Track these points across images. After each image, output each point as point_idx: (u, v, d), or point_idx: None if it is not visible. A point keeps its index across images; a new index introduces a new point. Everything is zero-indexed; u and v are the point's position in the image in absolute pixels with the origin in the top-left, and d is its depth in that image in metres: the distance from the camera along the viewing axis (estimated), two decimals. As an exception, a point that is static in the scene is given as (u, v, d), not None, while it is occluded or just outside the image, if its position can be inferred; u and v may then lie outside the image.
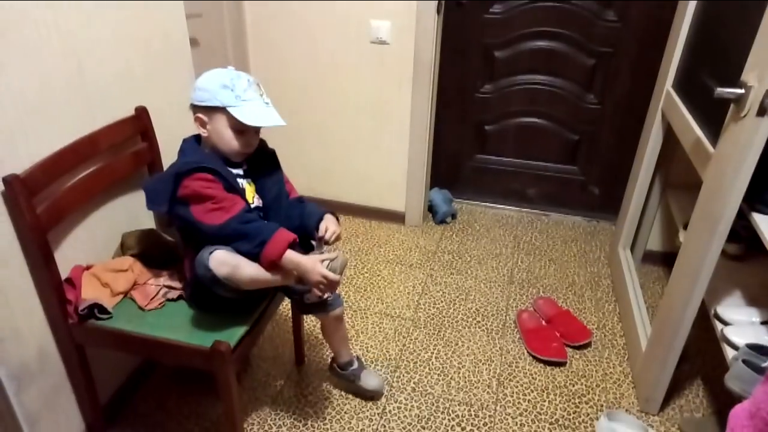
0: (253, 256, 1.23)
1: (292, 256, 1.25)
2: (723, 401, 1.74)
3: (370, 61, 2.39)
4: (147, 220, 1.68)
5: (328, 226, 1.39)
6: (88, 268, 1.40)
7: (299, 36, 2.42)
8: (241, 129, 1.28)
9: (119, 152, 1.50)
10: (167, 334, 1.28)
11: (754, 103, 1.20)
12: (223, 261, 1.19)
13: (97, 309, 1.31)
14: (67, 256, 1.36)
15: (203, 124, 1.30)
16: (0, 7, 1.12)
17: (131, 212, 1.61)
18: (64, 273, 1.33)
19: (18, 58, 1.17)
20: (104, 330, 1.31)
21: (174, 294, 1.40)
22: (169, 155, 1.65)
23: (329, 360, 1.73)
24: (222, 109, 1.25)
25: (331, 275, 1.27)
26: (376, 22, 2.30)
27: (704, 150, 1.47)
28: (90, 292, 1.34)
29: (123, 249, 1.54)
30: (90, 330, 1.32)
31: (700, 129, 1.55)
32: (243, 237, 1.23)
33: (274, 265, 1.25)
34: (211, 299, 1.28)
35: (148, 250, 1.52)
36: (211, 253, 1.19)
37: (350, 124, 2.57)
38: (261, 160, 1.41)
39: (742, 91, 1.24)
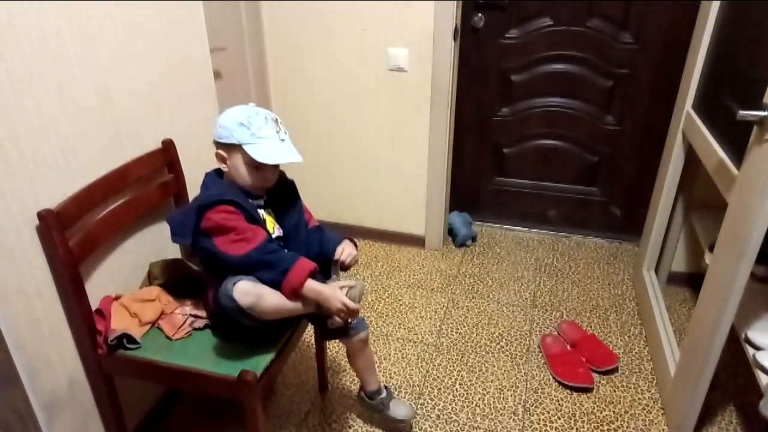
0: (275, 285, 1.25)
1: (312, 284, 1.27)
2: (757, 429, 1.69)
3: (389, 87, 2.43)
4: (173, 250, 1.71)
5: (345, 248, 1.43)
6: (116, 298, 1.43)
7: (319, 66, 2.47)
8: (257, 165, 1.31)
9: (147, 184, 1.54)
10: (194, 364, 1.30)
11: (778, 125, 1.19)
12: (247, 291, 1.21)
13: (125, 339, 1.33)
14: (96, 287, 1.39)
15: (223, 160, 1.34)
16: (35, 48, 1.17)
17: (158, 242, 1.64)
18: (93, 303, 1.35)
19: (52, 96, 1.22)
20: (133, 360, 1.33)
21: (200, 323, 1.41)
22: (194, 186, 1.68)
23: (356, 389, 1.72)
24: (239, 147, 1.29)
25: (351, 303, 1.29)
26: (393, 50, 2.34)
27: (728, 172, 1.46)
28: (119, 322, 1.36)
29: (150, 278, 1.56)
30: (119, 360, 1.34)
31: (723, 151, 1.54)
32: (266, 266, 1.25)
33: (296, 294, 1.26)
34: (236, 328, 1.29)
35: (174, 279, 1.55)
36: (234, 284, 1.21)
37: (370, 149, 2.60)
38: (280, 191, 1.45)
39: (766, 113, 1.23)
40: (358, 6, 2.29)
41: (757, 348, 1.44)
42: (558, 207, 2.80)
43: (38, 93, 1.18)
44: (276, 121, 1.33)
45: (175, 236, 1.33)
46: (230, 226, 1.26)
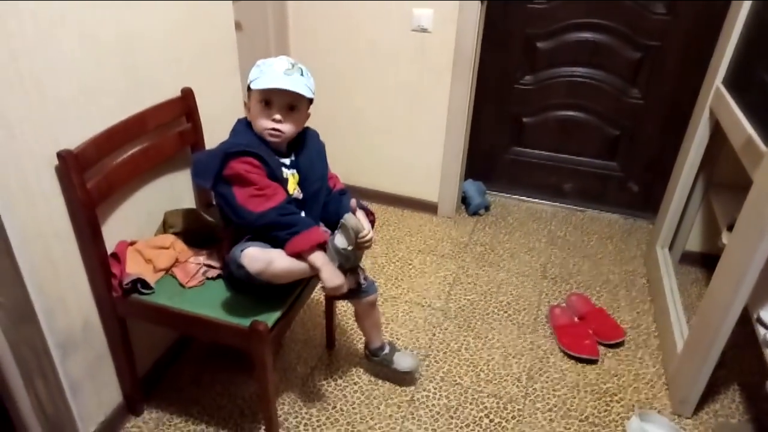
0: (282, 243, 1.25)
1: (316, 258, 1.27)
2: (761, 408, 1.70)
3: (411, 49, 2.38)
4: (189, 200, 1.72)
5: (358, 220, 1.35)
6: (132, 243, 1.44)
7: (340, 22, 2.42)
8: (265, 99, 1.28)
9: (165, 132, 1.53)
10: (207, 312, 1.31)
11: (814, 102, 1.15)
12: (256, 258, 1.21)
13: (140, 284, 1.34)
14: (112, 231, 1.40)
15: (246, 107, 1.35)
16: (59, -14, 1.15)
17: (174, 191, 1.65)
18: (109, 248, 1.37)
19: (75, 39, 1.21)
20: (146, 304, 1.35)
21: (213, 273, 1.43)
22: (212, 136, 1.68)
23: (362, 347, 1.75)
24: (250, 88, 1.30)
25: (343, 289, 1.32)
26: (418, 10, 2.28)
27: (756, 149, 1.42)
28: (134, 267, 1.38)
29: (165, 227, 1.57)
30: (133, 304, 1.36)
31: (753, 127, 1.50)
32: (280, 227, 1.25)
33: (299, 256, 1.26)
34: (247, 283, 1.31)
35: (189, 229, 1.55)
36: (242, 250, 1.21)
37: (387, 112, 2.57)
38: (309, 153, 1.42)
39: (802, 89, 1.20)
40: (384, -38, 2.23)
41: (769, 329, 1.44)
42: (574, 180, 2.76)
43: (60, 35, 1.17)
44: (293, 64, 1.30)
45: (197, 177, 1.33)
46: (252, 180, 1.25)
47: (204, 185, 1.30)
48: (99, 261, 1.31)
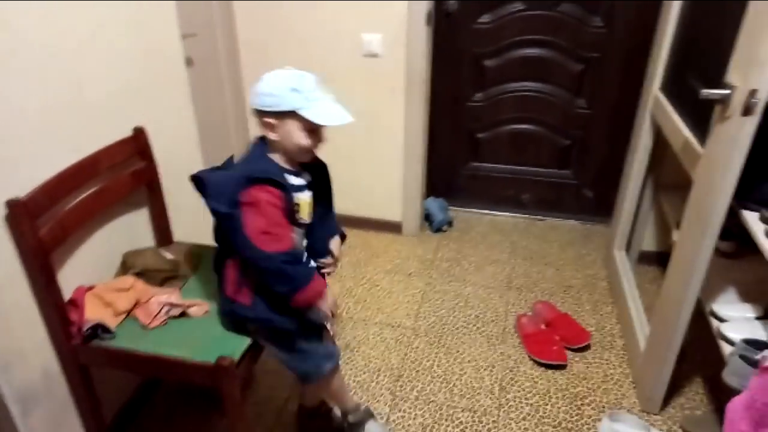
0: (284, 297, 1.25)
1: (322, 303, 1.32)
2: (722, 397, 1.75)
3: (363, 74, 2.42)
4: (147, 239, 1.70)
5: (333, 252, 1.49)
6: (90, 288, 1.41)
7: (292, 52, 2.45)
8: (313, 128, 1.27)
9: (119, 172, 1.52)
10: (171, 352, 1.29)
11: (739, 103, 1.23)
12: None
13: (100, 329, 1.32)
14: (69, 277, 1.38)
15: (272, 128, 1.27)
16: (1, 35, 1.14)
17: (132, 231, 1.63)
18: (66, 294, 1.34)
19: (20, 82, 1.20)
20: (108, 350, 1.32)
21: (176, 311, 1.41)
22: (168, 173, 1.67)
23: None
24: (292, 113, 1.24)
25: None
26: (367, 35, 2.33)
27: (693, 151, 1.50)
28: (93, 312, 1.35)
29: (124, 268, 1.55)
30: (94, 350, 1.33)
31: (689, 130, 1.58)
32: (282, 277, 1.23)
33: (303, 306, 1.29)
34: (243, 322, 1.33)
35: (150, 269, 1.53)
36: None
37: (345, 136, 2.58)
38: (319, 175, 1.43)
39: (727, 91, 1.27)
40: (330, -9, 2.28)
41: (721, 320, 1.50)
42: (532, 191, 2.84)
43: (5, 81, 1.16)
44: (323, 81, 1.29)
45: (212, 200, 1.22)
46: (267, 213, 1.21)
47: (218, 209, 1.22)
48: (56, 309, 1.28)
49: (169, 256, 1.58)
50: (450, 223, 2.80)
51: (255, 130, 2.83)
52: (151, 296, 1.45)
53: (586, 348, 1.98)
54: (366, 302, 2.24)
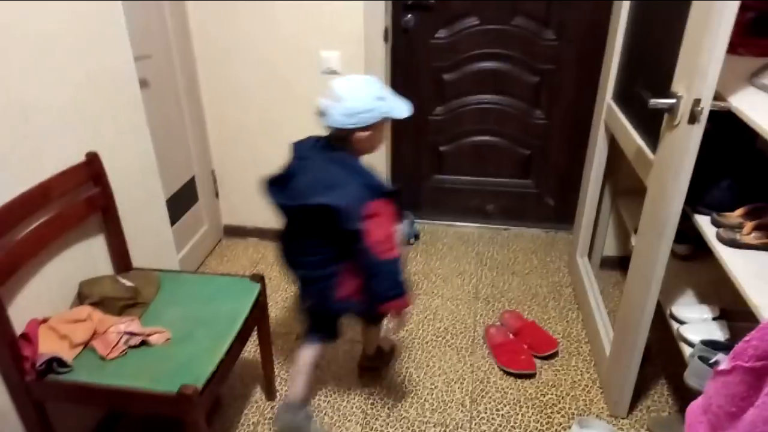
0: (380, 298, 1.38)
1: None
2: (686, 398, 1.78)
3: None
4: (104, 266, 1.65)
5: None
6: (44, 321, 1.36)
7: (251, 71, 2.43)
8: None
9: (72, 199, 1.47)
10: (131, 383, 1.25)
11: (685, 111, 1.27)
12: None
13: (55, 363, 1.27)
14: (21, 310, 1.32)
15: (362, 140, 1.40)
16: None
17: (88, 259, 1.58)
18: (19, 328, 1.28)
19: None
20: (64, 384, 1.27)
21: (136, 340, 1.37)
22: (124, 198, 1.64)
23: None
24: (383, 119, 1.39)
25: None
26: (326, 53, 2.34)
27: (645, 158, 1.54)
28: (48, 345, 1.30)
29: (81, 298, 1.50)
30: (49, 385, 1.28)
31: (641, 138, 1.63)
32: (389, 280, 1.36)
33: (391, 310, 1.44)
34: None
35: (108, 297, 1.49)
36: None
37: (307, 153, 2.58)
38: None
39: (674, 101, 1.32)
40: (287, 9, 2.28)
41: (681, 322, 1.54)
42: (495, 201, 2.87)
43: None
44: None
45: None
46: (386, 224, 1.34)
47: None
48: (6, 344, 1.22)
49: (127, 283, 1.54)
50: (417, 237, 2.80)
51: (217, 150, 2.78)
52: (109, 326, 1.41)
53: (554, 355, 2.00)
54: (334, 320, 2.22)
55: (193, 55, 2.42)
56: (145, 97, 1.83)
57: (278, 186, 1.48)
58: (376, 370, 1.94)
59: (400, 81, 2.58)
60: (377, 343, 1.91)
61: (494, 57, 2.53)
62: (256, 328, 1.63)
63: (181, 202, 2.37)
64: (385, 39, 2.32)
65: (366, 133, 1.37)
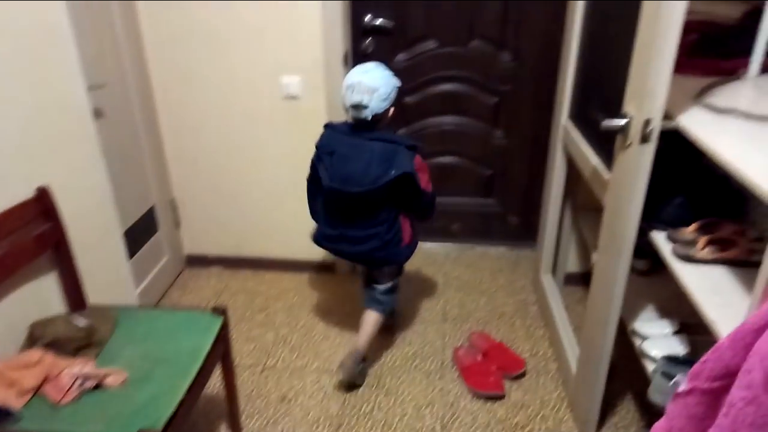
0: (429, 217, 1.96)
1: None
2: (653, 413, 1.81)
3: (285, 116, 2.41)
4: (57, 305, 1.58)
5: None
6: (-10, 367, 1.29)
7: (210, 97, 2.40)
8: None
9: (21, 237, 1.41)
10: (85, 429, 1.19)
11: (637, 132, 1.31)
12: None
13: (2, 412, 1.20)
14: (-35, 358, 1.25)
15: (389, 115, 1.80)
16: None
17: (39, 298, 1.51)
18: (-38, 377, 1.21)
19: None
20: (13, 434, 1.20)
21: (91, 383, 1.31)
22: (78, 234, 1.58)
23: (271, 428, 1.67)
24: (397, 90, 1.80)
25: None
26: (286, 78, 2.33)
27: (601, 177, 1.58)
28: (-6, 393, 1.23)
29: (32, 340, 1.43)
30: (-4, 436, 1.21)
31: (596, 157, 1.67)
32: (434, 203, 1.91)
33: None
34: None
35: (60, 338, 1.42)
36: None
37: (270, 179, 2.56)
38: None
39: (625, 121, 1.35)
40: (246, 34, 2.27)
41: (643, 338, 1.56)
42: (460, 220, 2.89)
43: None
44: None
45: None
46: (425, 168, 1.83)
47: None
48: (-51, 395, 1.16)
49: (81, 322, 1.47)
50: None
51: (178, 178, 2.74)
52: (62, 369, 1.34)
53: (523, 375, 2.00)
54: (302, 349, 2.18)
55: (150, 82, 2.38)
56: (99, 127, 1.79)
57: (335, 177, 1.76)
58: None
59: (362, 105, 2.59)
60: (373, 337, 2.01)
61: (453, 79, 2.57)
62: (219, 362, 1.58)
63: (140, 233, 2.31)
64: (345, 63, 2.33)
65: (392, 108, 1.76)
